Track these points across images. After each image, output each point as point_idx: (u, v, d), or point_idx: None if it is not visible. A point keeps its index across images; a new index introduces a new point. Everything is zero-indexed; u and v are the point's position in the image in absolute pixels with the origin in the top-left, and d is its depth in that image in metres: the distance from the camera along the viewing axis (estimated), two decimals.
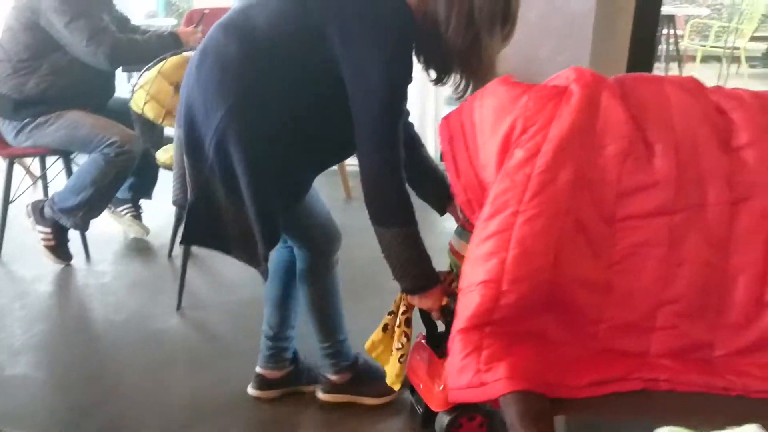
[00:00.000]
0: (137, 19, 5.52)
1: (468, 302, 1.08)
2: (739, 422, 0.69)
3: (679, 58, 5.88)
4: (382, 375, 1.64)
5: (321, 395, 1.72)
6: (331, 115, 1.33)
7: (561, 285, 1.09)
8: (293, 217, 1.49)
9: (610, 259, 1.10)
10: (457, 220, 1.46)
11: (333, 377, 1.71)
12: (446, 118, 1.24)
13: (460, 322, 1.08)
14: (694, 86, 1.10)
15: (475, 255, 1.10)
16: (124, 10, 2.61)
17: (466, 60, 1.30)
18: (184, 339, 2.04)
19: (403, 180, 1.33)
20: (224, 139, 1.34)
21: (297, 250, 1.61)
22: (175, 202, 1.57)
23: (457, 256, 1.41)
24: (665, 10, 6.04)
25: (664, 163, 1.07)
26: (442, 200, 1.53)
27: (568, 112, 1.08)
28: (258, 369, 1.70)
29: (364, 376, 1.73)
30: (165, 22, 5.10)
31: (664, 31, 5.91)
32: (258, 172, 1.35)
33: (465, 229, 1.38)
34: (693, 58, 6.20)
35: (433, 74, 1.39)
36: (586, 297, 1.10)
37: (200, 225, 1.47)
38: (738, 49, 5.97)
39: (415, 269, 1.36)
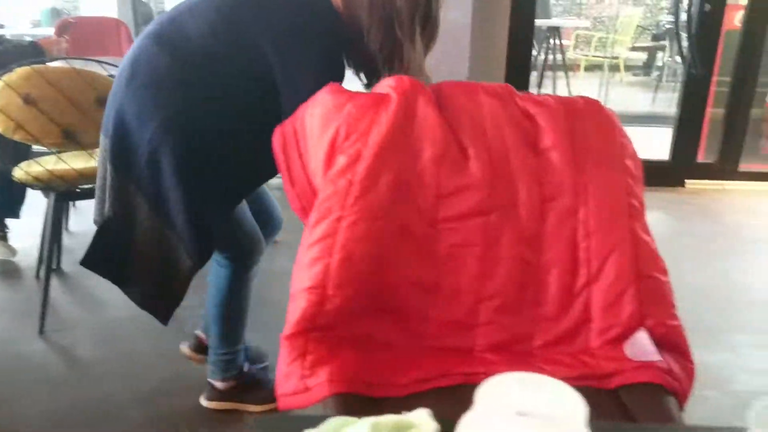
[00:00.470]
0: (23, 28, 5.24)
1: (294, 308, 1.08)
2: None
3: (566, 67, 6.21)
4: (266, 383, 1.70)
5: (205, 402, 1.72)
6: (267, 125, 1.30)
7: (390, 287, 1.12)
8: (223, 223, 1.46)
9: (435, 259, 1.14)
10: None
11: (218, 384, 1.71)
12: (281, 126, 1.25)
13: (286, 328, 1.09)
14: (505, 93, 1.17)
15: (303, 261, 1.11)
16: (9, 19, 2.50)
17: (391, 64, 1.32)
18: (43, 363, 1.94)
19: None
20: (158, 151, 1.32)
21: (219, 257, 1.59)
22: (96, 222, 1.48)
23: None
24: (552, 22, 6.38)
25: (477, 165, 1.12)
26: None
27: (385, 118, 1.11)
28: (208, 379, 1.71)
29: (248, 384, 1.74)
30: (49, 32, 4.87)
31: (552, 41, 6.24)
32: (192, 184, 1.34)
33: None
34: (578, 67, 6.58)
35: (363, 78, 1.40)
36: (416, 297, 1.14)
37: (108, 248, 1.42)
38: (617, 58, 6.39)
39: None
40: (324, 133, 1.16)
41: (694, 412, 1.83)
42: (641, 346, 1.07)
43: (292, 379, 1.06)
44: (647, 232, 1.15)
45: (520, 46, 3.49)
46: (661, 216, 3.33)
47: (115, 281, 1.46)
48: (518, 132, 1.14)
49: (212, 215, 1.41)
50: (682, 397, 1.05)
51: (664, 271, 1.14)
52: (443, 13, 3.61)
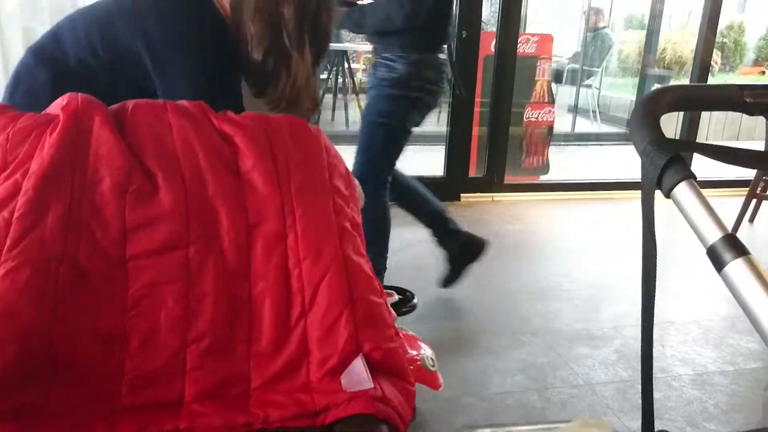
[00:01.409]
0: None
1: None
2: None
3: (356, 90, 6.40)
4: None
5: None
6: None
7: (65, 343, 0.94)
8: None
9: (124, 304, 0.99)
10: None
11: None
12: None
13: None
14: (197, 112, 1.06)
15: None
16: None
17: (277, 75, 1.28)
18: None
19: None
20: None
21: None
22: None
23: None
24: (340, 45, 6.53)
25: (168, 194, 1.00)
26: None
27: (50, 143, 0.94)
28: None
29: None
30: None
31: (342, 65, 6.39)
32: None
33: None
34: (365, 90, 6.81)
35: (252, 88, 1.34)
36: (99, 351, 0.97)
37: None
38: None
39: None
40: None
41: (454, 420, 1.89)
42: (355, 374, 1.02)
43: None
44: (361, 253, 1.11)
45: None
46: None
47: None
48: (214, 155, 1.04)
49: None
50: (400, 422, 1.02)
51: (379, 293, 1.11)
52: None
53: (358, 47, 7.63)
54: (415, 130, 2.42)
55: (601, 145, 6.71)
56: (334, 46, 6.47)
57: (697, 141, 0.73)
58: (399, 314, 1.70)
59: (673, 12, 9.25)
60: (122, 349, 0.98)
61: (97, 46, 1.30)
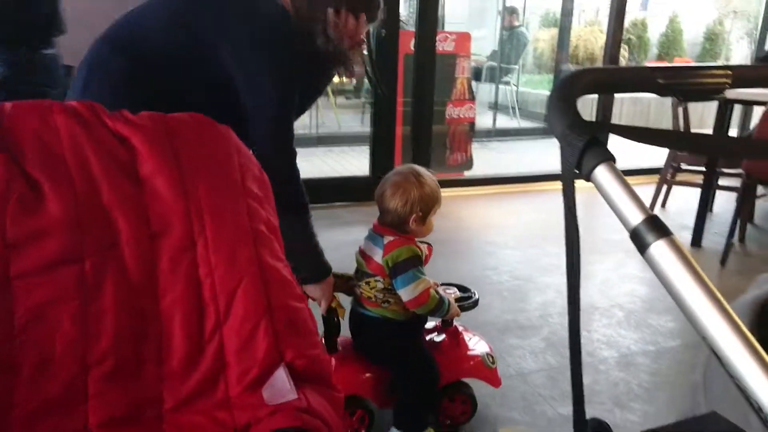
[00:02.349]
0: None
1: None
2: None
3: None
4: None
5: None
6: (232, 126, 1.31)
7: None
8: None
9: (10, 329, 0.88)
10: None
11: None
12: None
13: None
14: (89, 113, 0.97)
15: None
16: None
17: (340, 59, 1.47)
18: None
19: (299, 173, 1.45)
20: None
21: None
22: None
23: (363, 256, 1.58)
24: None
25: (58, 204, 0.90)
26: None
27: None
28: None
29: None
30: None
31: None
32: None
33: (375, 233, 1.57)
34: None
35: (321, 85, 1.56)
36: None
37: None
38: None
39: (308, 259, 1.48)
40: None
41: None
42: (278, 386, 0.96)
43: None
44: (278, 257, 1.05)
45: None
46: (365, 229, 3.46)
47: None
48: (109, 159, 0.95)
49: None
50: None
51: (301, 298, 1.05)
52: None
53: None
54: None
55: (521, 139, 6.90)
56: None
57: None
58: (462, 310, 1.66)
59: (583, 9, 9.64)
60: (11, 379, 0.87)
61: (171, 35, 1.35)
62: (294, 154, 1.44)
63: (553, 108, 0.68)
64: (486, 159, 5.45)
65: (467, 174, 4.48)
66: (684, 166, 3.65)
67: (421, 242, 1.59)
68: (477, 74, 7.20)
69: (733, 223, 3.08)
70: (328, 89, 6.71)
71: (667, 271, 0.55)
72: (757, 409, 0.48)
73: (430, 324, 1.74)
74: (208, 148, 1.01)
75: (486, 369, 1.69)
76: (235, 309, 0.98)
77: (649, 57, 10.81)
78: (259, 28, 1.36)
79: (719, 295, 0.53)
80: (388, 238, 1.53)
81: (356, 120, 6.85)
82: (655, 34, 11.03)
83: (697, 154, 3.49)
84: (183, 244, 0.97)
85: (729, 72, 0.79)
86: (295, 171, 1.44)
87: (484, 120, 7.02)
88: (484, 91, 7.44)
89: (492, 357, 1.72)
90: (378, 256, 1.53)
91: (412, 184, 1.52)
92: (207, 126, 1.03)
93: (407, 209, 1.51)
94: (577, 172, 0.65)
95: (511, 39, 7.37)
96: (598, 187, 0.63)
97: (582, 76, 0.72)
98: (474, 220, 3.67)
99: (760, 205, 3.94)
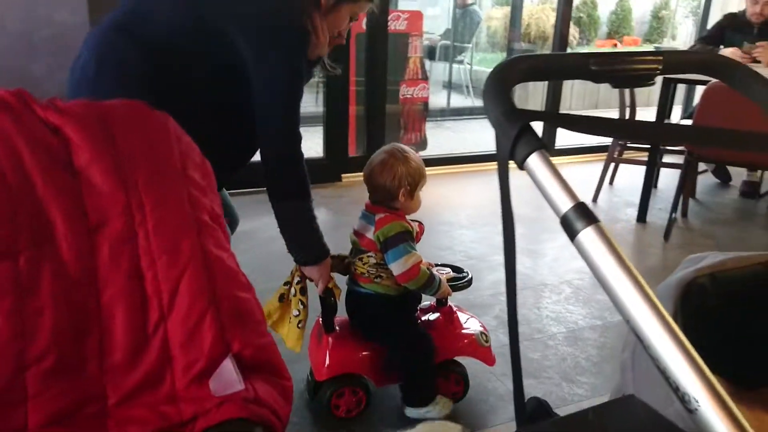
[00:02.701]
0: None
1: None
2: None
3: None
4: None
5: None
6: (236, 116, 1.43)
7: None
8: None
9: None
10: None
11: None
12: None
13: None
14: (17, 101, 0.93)
15: None
16: None
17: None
18: None
19: (303, 157, 1.47)
20: None
21: None
22: None
23: (357, 235, 1.64)
24: None
25: None
26: None
27: None
28: None
29: None
30: None
31: None
32: None
33: (367, 212, 1.62)
34: None
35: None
36: None
37: None
38: None
39: (310, 241, 1.53)
40: None
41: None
42: (224, 377, 0.95)
43: None
44: (223, 247, 1.04)
45: None
46: (323, 211, 3.44)
47: None
48: (41, 150, 0.91)
49: None
50: (277, 421, 0.97)
51: (247, 287, 1.05)
52: (47, 12, 3.11)
53: None
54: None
55: (475, 118, 6.94)
56: None
57: (549, 111, 0.75)
58: (454, 290, 1.72)
59: None
60: None
61: (183, 22, 1.36)
62: (300, 140, 1.48)
63: (487, 95, 0.69)
64: (440, 138, 5.48)
65: (421, 154, 4.47)
66: (630, 144, 3.75)
67: (413, 220, 1.65)
68: (431, 53, 7.20)
69: (676, 198, 3.19)
70: None
71: (593, 257, 0.57)
72: (674, 388, 0.50)
73: (426, 304, 1.79)
74: (145, 137, 0.99)
75: (480, 347, 1.73)
76: (179, 301, 0.97)
77: (600, 35, 10.99)
78: (267, 3, 1.40)
79: (642, 281, 0.55)
80: (379, 215, 1.59)
81: (311, 99, 6.78)
82: (605, 12, 11.22)
83: (637, 141, 3.59)
84: (123, 236, 0.95)
85: (660, 58, 0.81)
86: (301, 158, 1.48)
87: (438, 99, 7.04)
88: (438, 70, 7.45)
89: (486, 335, 1.76)
90: (370, 232, 1.59)
91: (398, 160, 1.58)
92: (144, 113, 1.00)
93: (395, 183, 1.57)
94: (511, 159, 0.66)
95: (464, 17, 7.37)
96: (531, 175, 0.64)
97: (517, 63, 0.73)
98: (428, 201, 3.68)
99: (701, 180, 4.10)
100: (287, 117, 1.44)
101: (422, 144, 4.51)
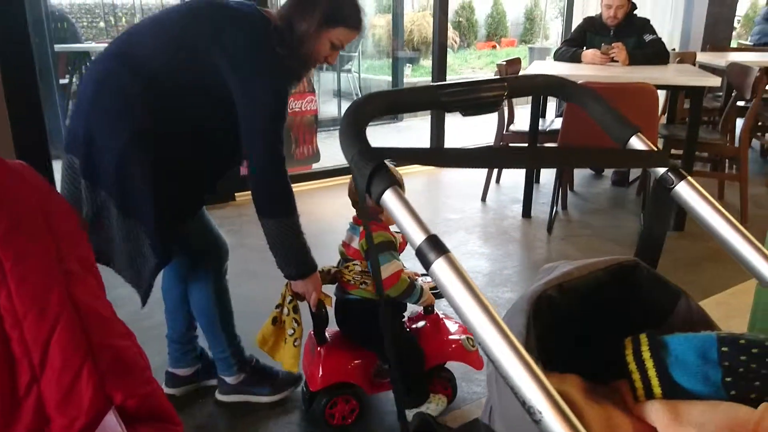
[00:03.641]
0: None
1: None
2: None
3: None
4: (276, 373, 1.87)
5: (219, 396, 1.87)
6: (226, 136, 1.56)
7: None
8: (192, 228, 1.65)
9: None
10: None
11: (228, 379, 1.84)
12: None
13: None
14: None
15: None
16: None
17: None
18: None
19: (287, 175, 1.57)
20: (128, 164, 1.46)
21: (192, 261, 1.74)
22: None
23: (344, 245, 1.78)
24: (81, 47, 5.88)
25: None
26: None
27: None
28: (169, 369, 1.88)
29: (258, 375, 1.86)
30: None
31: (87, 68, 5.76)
32: (160, 190, 1.48)
33: (355, 224, 1.77)
34: None
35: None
36: None
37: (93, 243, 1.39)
38: None
39: (297, 256, 1.60)
40: None
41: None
42: None
43: None
44: (96, 295, 1.00)
45: (20, 73, 3.03)
46: (221, 232, 3.37)
47: (111, 267, 1.61)
48: None
49: (179, 218, 1.58)
50: None
51: (126, 335, 1.01)
52: None
53: (102, 47, 6.97)
54: None
55: (368, 126, 7.03)
56: (73, 47, 5.82)
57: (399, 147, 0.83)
58: (438, 297, 1.82)
59: None
60: None
61: (174, 50, 1.49)
62: (284, 159, 1.56)
63: (343, 136, 0.72)
64: (334, 149, 5.51)
65: (315, 167, 4.50)
66: (511, 144, 3.97)
67: (397, 232, 1.73)
68: None
69: (555, 192, 3.41)
70: None
71: (446, 285, 0.61)
72: (522, 402, 0.55)
73: (414, 312, 1.89)
74: (2, 186, 0.93)
75: (467, 352, 1.81)
76: (52, 359, 0.92)
77: (479, 38, 11.50)
78: (250, 32, 1.51)
79: (489, 306, 0.60)
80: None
81: None
82: (482, 16, 11.75)
83: (493, 168, 3.80)
84: None
85: (504, 84, 0.88)
86: (285, 175, 1.57)
87: (329, 108, 7.08)
88: (328, 79, 7.49)
89: (472, 340, 1.83)
90: (355, 242, 1.73)
91: None
92: (21, 170, 0.95)
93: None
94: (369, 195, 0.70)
95: None
96: (387, 209, 0.68)
97: (369, 102, 0.76)
98: (324, 213, 3.71)
99: (578, 173, 4.40)
100: (270, 139, 1.53)
101: (315, 156, 4.52)
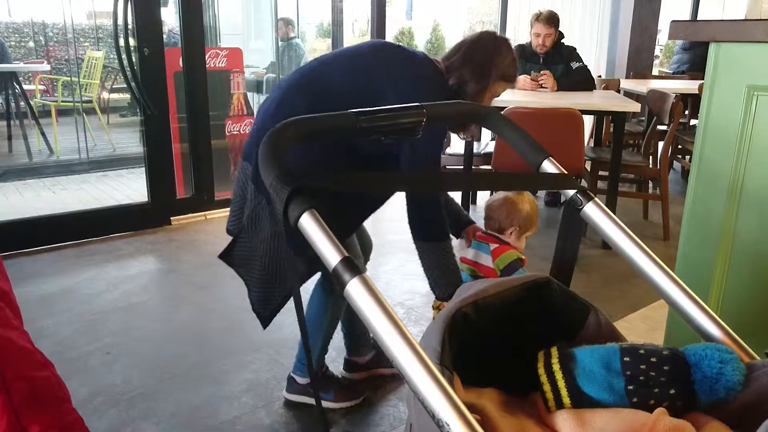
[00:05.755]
0: None
1: None
2: None
3: (35, 114, 5.63)
4: (342, 383, 2.03)
5: (285, 394, 2.00)
6: (385, 161, 1.68)
7: None
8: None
9: None
10: (467, 243, 1.94)
11: (299, 379, 1.97)
12: None
13: None
14: None
15: None
16: None
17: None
18: None
19: (442, 204, 1.72)
20: None
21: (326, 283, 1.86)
22: (228, 231, 1.79)
23: (471, 263, 1.91)
24: (7, 66, 5.68)
25: None
26: (457, 227, 1.95)
27: None
28: (347, 356, 2.13)
29: (326, 382, 1.99)
30: None
31: (14, 88, 5.56)
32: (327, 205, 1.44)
33: (480, 242, 1.89)
34: (49, 113, 6.04)
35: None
36: None
37: (239, 253, 1.73)
38: (90, 102, 6.13)
39: (452, 277, 1.69)
40: None
41: None
42: None
43: None
44: (11, 326, 0.96)
45: None
46: (151, 259, 3.28)
47: (243, 279, 1.77)
48: None
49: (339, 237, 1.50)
50: None
51: (43, 365, 0.98)
52: None
53: (31, 67, 6.74)
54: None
55: None
56: (1, 67, 5.60)
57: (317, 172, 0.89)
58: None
59: (355, 20, 10.14)
60: None
61: (354, 82, 1.63)
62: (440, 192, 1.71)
63: (262, 161, 0.73)
64: None
65: None
66: (448, 166, 4.06)
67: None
68: (258, 86, 7.19)
69: None
70: (95, 106, 6.22)
71: (360, 305, 0.63)
72: (432, 416, 0.58)
73: None
74: None
75: None
76: None
77: None
78: (420, 82, 1.65)
79: (400, 323, 0.62)
80: (493, 245, 1.86)
81: (134, 139, 6.42)
82: (421, 41, 12.04)
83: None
84: None
85: (423, 111, 0.91)
86: (441, 205, 1.70)
87: None
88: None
89: None
90: (488, 261, 1.85)
91: (519, 203, 1.89)
92: None
93: (508, 221, 1.88)
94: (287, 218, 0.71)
95: (288, 50, 7.48)
96: (304, 233, 0.69)
97: (288, 128, 0.78)
98: None
99: None
100: (429, 171, 1.66)
101: None
